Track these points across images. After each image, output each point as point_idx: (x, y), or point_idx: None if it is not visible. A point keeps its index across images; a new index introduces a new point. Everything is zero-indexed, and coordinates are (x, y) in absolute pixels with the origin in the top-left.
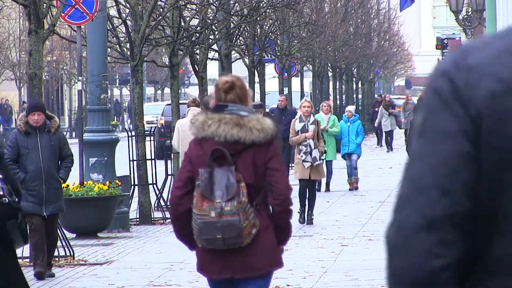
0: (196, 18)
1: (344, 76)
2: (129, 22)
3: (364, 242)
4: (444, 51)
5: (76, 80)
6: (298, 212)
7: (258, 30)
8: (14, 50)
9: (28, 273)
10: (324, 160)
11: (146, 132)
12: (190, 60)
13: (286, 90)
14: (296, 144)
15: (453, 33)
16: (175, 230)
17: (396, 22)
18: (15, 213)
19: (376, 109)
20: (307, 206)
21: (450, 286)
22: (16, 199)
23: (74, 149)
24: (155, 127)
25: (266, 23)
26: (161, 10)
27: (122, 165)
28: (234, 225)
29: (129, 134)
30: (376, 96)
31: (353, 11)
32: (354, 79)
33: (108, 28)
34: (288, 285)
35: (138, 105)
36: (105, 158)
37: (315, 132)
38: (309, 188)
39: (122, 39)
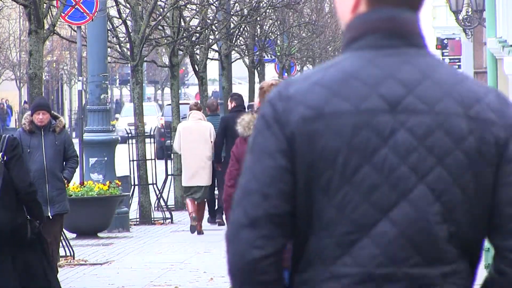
0: (196, 18)
1: None
2: (129, 22)
3: None
4: (444, 51)
5: (76, 80)
6: None
7: (258, 30)
8: (14, 50)
9: None
10: None
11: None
12: (190, 60)
13: None
14: None
15: (453, 33)
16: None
17: None
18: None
19: None
20: None
21: (271, 272)
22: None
23: None
24: (155, 127)
25: (266, 23)
26: (161, 10)
27: (122, 165)
28: None
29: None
30: None
31: None
32: None
33: (108, 28)
34: None
35: (138, 105)
36: (105, 158)
37: None
38: None
39: (122, 39)
